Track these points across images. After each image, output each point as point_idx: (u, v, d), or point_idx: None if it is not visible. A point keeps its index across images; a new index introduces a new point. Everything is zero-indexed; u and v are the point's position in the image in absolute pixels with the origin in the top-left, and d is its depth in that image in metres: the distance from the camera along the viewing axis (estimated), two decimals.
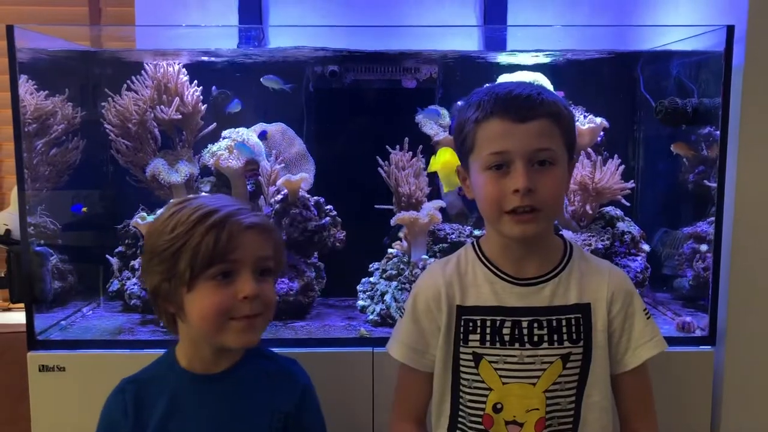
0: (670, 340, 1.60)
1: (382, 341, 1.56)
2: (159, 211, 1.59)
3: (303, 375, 1.22)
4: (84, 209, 1.79)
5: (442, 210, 1.78)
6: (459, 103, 1.89)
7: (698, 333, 1.65)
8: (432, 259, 1.71)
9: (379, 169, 1.81)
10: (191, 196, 1.17)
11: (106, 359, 1.55)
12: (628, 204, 1.83)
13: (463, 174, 1.19)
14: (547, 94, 1.12)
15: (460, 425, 1.18)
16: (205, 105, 1.88)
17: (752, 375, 1.60)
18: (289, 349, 1.54)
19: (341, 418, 1.49)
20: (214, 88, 1.94)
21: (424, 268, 1.68)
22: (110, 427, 1.13)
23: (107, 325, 1.73)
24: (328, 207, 1.87)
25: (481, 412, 1.14)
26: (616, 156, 1.79)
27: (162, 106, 1.82)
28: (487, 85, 1.17)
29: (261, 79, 1.89)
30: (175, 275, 1.07)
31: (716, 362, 1.59)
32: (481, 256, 1.19)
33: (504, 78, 1.84)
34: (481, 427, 1.15)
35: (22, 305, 1.66)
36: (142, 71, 1.83)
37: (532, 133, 1.08)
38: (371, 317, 1.72)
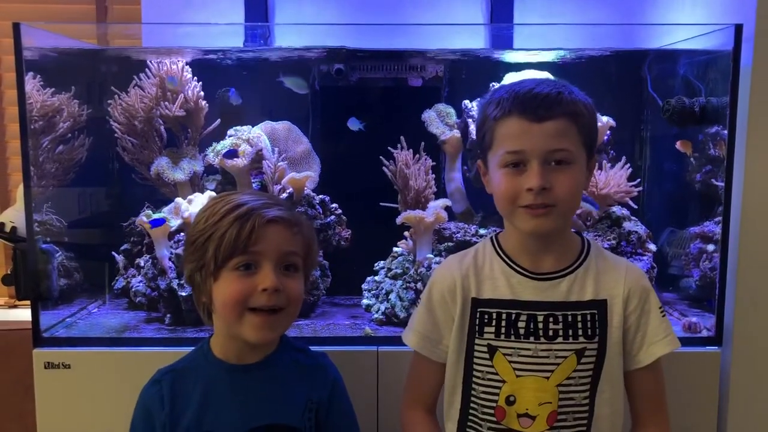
0: None
1: (387, 340, 1.56)
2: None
3: (333, 367, 1.25)
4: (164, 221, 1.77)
5: (447, 209, 1.78)
6: (474, 101, 1.88)
7: (705, 333, 1.64)
8: (437, 258, 1.70)
9: (384, 168, 1.81)
10: (234, 191, 1.21)
11: (111, 357, 1.55)
12: (635, 206, 1.82)
13: (482, 169, 1.21)
14: (568, 93, 1.12)
15: (471, 416, 1.18)
16: (205, 102, 1.88)
17: (759, 376, 1.59)
18: None
19: None
20: (232, 90, 1.95)
21: (429, 267, 1.68)
22: (147, 416, 1.14)
23: (112, 322, 1.74)
24: (333, 205, 1.87)
25: (493, 404, 1.15)
26: (624, 159, 1.78)
27: (166, 103, 1.83)
28: (512, 81, 1.17)
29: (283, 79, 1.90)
30: (204, 265, 1.11)
31: (723, 363, 1.58)
32: (498, 250, 1.20)
33: (510, 77, 1.83)
34: (493, 418, 1.15)
35: (28, 302, 1.66)
36: (146, 69, 1.83)
37: (548, 133, 1.09)
38: (376, 316, 1.72)
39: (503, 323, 1.15)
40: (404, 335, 1.26)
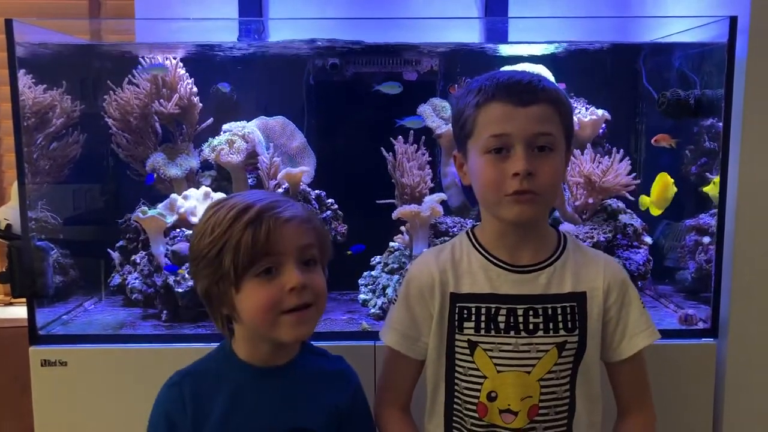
0: (672, 333, 1.61)
1: None
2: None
3: (354, 372, 1.23)
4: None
5: (443, 203, 1.78)
6: (456, 92, 1.88)
7: (700, 325, 1.65)
8: None
9: (387, 157, 1.81)
10: (228, 195, 1.15)
11: (108, 354, 1.55)
12: (632, 199, 1.82)
13: (460, 160, 1.19)
14: (547, 82, 1.12)
15: (456, 413, 1.17)
16: (198, 99, 1.88)
17: (754, 367, 1.59)
18: None
19: None
20: (226, 85, 1.94)
21: None
22: (168, 421, 1.09)
23: (109, 319, 1.73)
24: (330, 200, 1.87)
25: (475, 400, 1.14)
26: (622, 151, 1.78)
27: (161, 100, 1.82)
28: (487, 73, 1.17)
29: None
30: (222, 277, 1.06)
31: (718, 355, 1.59)
32: (475, 243, 1.19)
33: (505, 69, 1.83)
34: (476, 415, 1.14)
35: (23, 300, 1.66)
36: (138, 66, 1.83)
37: (532, 117, 1.08)
38: (373, 311, 1.72)
39: (483, 318, 1.14)
40: (382, 333, 1.24)
